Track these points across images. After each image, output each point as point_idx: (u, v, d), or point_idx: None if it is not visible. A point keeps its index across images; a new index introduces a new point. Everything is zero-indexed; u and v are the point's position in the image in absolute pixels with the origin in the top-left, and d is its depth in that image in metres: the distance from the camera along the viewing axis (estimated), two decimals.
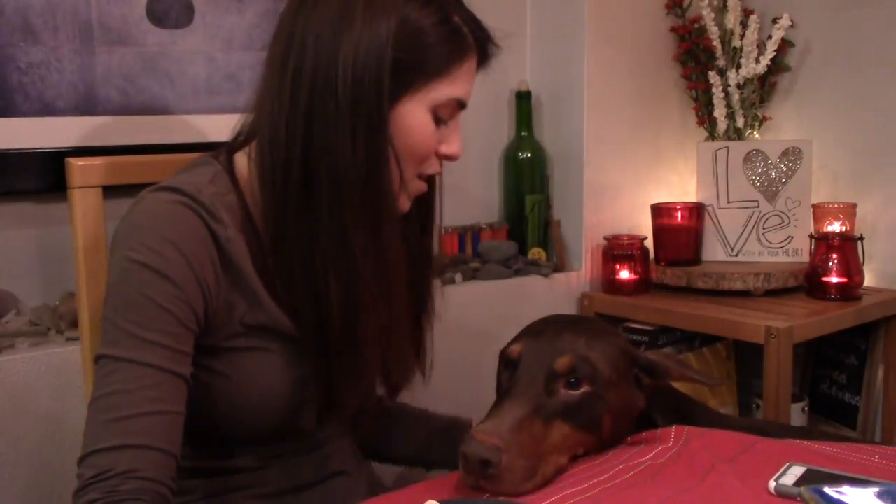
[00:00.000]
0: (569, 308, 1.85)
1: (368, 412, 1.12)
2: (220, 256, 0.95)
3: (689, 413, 1.09)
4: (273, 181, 0.96)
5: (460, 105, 1.01)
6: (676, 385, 1.12)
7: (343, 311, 0.96)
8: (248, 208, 1.00)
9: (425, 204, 1.10)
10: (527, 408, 0.96)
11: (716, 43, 1.91)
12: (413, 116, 0.97)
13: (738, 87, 1.92)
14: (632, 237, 1.84)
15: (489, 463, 0.89)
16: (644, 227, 1.93)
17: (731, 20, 1.90)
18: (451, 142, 1.02)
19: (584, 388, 0.99)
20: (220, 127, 1.42)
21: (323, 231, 0.94)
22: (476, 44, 1.00)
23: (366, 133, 0.93)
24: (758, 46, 1.89)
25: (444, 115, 1.00)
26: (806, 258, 1.81)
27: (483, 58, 1.03)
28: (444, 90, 0.98)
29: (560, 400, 0.98)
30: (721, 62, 1.93)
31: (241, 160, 1.03)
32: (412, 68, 0.95)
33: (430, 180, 1.09)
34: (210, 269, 0.94)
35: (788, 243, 1.86)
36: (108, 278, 0.94)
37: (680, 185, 2.04)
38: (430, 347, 1.15)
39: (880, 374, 1.84)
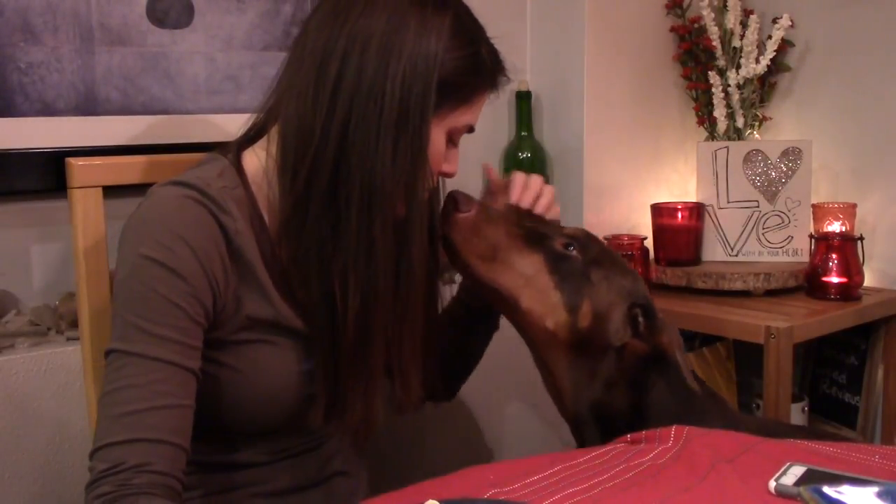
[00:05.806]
0: None
1: (370, 430, 1.08)
2: (228, 249, 0.96)
3: (696, 410, 1.09)
4: (294, 177, 0.96)
5: (470, 130, 1.07)
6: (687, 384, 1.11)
7: (358, 316, 0.97)
8: (256, 203, 1.01)
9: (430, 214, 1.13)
10: (520, 229, 1.10)
11: (716, 43, 1.91)
12: (434, 137, 1.00)
13: (738, 87, 1.91)
14: (632, 237, 1.84)
15: (457, 203, 1.06)
16: (644, 227, 1.93)
17: (731, 20, 1.90)
18: (452, 161, 1.08)
19: (575, 253, 1.09)
20: (220, 127, 1.43)
21: (349, 237, 0.95)
22: (493, 76, 1.06)
23: (410, 147, 0.96)
24: (758, 46, 1.89)
25: (455, 137, 1.05)
26: (806, 258, 1.80)
27: (493, 87, 1.08)
28: (463, 117, 1.03)
29: (549, 244, 1.09)
30: (721, 62, 1.93)
31: (250, 156, 1.04)
32: (446, 94, 0.98)
33: (434, 193, 1.13)
34: (219, 263, 0.95)
35: (788, 243, 1.86)
36: (117, 273, 0.95)
37: (680, 184, 2.04)
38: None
39: (880, 374, 1.84)
